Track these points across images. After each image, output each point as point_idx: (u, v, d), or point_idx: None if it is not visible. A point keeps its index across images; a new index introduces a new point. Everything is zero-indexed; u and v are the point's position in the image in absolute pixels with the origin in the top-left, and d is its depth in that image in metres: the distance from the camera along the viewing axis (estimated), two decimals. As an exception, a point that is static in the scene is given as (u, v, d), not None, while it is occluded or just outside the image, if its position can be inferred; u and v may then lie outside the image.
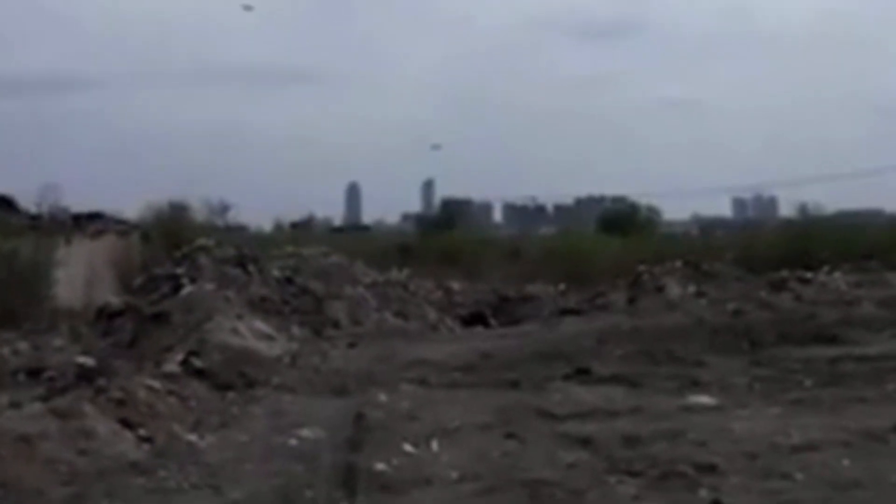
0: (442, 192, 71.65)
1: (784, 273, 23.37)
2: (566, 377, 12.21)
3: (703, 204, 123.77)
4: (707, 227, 61.79)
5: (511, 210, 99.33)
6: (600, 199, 78.35)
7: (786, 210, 44.68)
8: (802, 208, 36.92)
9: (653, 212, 51.22)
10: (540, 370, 12.79)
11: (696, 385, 11.51)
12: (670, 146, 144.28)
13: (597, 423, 9.44)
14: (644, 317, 18.37)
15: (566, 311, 21.80)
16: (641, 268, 24.53)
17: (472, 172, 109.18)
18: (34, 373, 13.38)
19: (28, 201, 30.15)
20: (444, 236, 40.71)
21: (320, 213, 57.56)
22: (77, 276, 23.55)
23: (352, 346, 16.41)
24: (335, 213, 73.87)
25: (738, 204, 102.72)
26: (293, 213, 48.31)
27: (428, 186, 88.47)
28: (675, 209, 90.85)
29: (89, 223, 30.08)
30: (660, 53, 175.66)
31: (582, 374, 12.38)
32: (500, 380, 12.23)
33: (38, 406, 9.34)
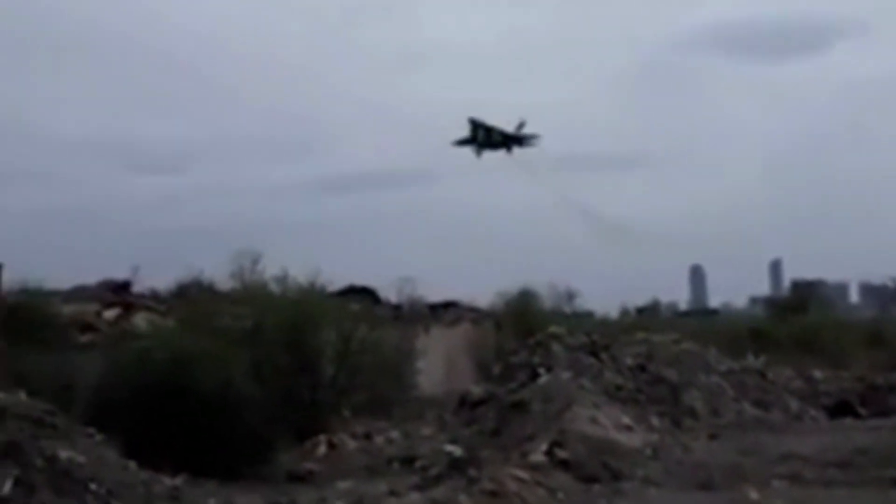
0: (790, 272, 68.75)
1: None
2: (957, 476, 11.21)
3: None
4: None
5: (868, 290, 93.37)
6: (969, 278, 71.84)
7: None
8: None
9: None
10: (925, 468, 11.81)
11: None
12: None
13: None
14: None
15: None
16: None
17: (821, 252, 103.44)
18: (407, 461, 14.00)
19: (387, 292, 32.13)
20: (799, 320, 38.90)
21: (664, 297, 56.62)
22: (436, 364, 24.61)
23: (713, 437, 15.94)
24: (679, 296, 72.50)
25: None
26: (637, 298, 47.96)
27: (775, 267, 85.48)
28: None
29: (444, 312, 31.52)
30: None
31: (976, 473, 11.32)
32: (882, 477, 11.43)
33: (416, 496, 9.75)
